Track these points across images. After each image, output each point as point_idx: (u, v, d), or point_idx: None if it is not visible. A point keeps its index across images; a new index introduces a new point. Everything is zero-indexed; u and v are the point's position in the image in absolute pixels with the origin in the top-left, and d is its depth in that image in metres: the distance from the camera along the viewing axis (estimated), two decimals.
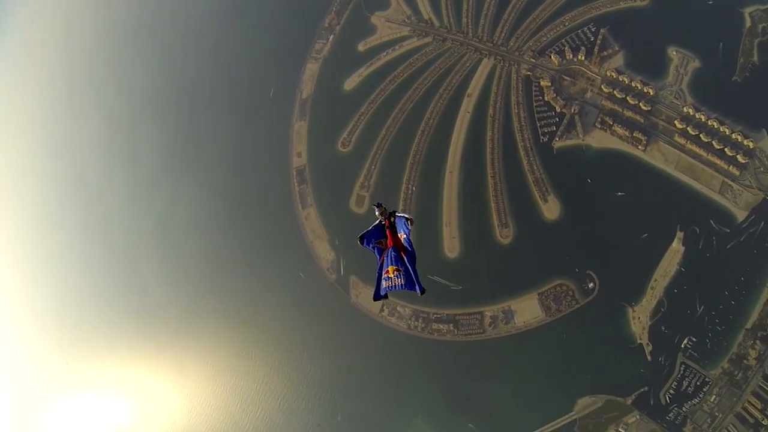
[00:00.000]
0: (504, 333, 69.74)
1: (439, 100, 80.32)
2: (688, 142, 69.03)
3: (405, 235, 15.72)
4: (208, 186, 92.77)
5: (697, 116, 69.36)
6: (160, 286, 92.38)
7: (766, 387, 61.31)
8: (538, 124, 74.50)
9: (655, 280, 65.95)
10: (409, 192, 77.31)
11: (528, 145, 74.04)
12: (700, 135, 68.65)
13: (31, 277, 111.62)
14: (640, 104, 71.27)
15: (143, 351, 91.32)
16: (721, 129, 68.44)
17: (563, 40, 77.42)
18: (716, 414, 61.99)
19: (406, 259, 15.36)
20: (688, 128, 69.12)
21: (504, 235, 71.91)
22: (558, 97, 74.33)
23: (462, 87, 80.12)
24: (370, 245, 16.39)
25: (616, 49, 75.17)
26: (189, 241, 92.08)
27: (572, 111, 73.32)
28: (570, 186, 71.29)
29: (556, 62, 75.73)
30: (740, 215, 65.75)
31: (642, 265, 66.82)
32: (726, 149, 67.54)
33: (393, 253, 15.69)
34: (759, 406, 60.85)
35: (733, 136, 67.94)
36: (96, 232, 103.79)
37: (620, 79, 72.94)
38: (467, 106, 78.42)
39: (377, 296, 15.64)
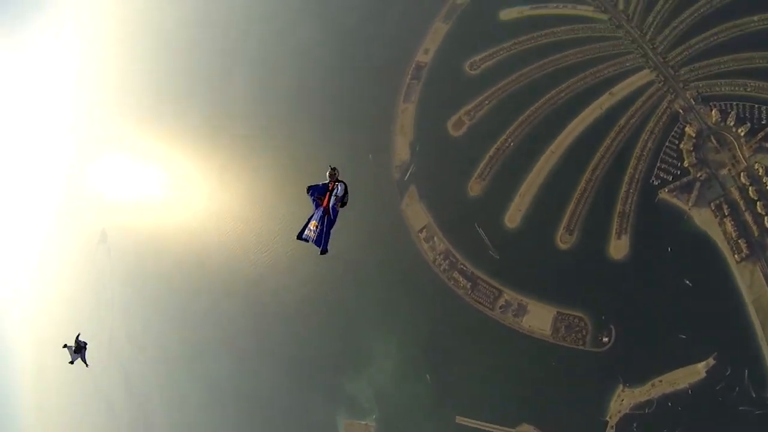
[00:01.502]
0: (507, 323, 68.45)
1: (580, 80, 73.30)
2: None
3: (332, 203, 17.68)
4: None
5: None
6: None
7: None
8: (658, 165, 67.79)
9: (660, 381, 62.23)
10: (505, 145, 72.49)
11: (635, 177, 67.90)
12: None
13: None
14: (766, 218, 63.42)
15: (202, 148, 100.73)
16: None
17: (735, 103, 67.97)
18: None
19: (326, 222, 17.41)
20: None
21: (564, 239, 67.92)
22: (693, 153, 66.86)
23: (610, 82, 72.64)
24: (313, 197, 18.40)
25: None
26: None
27: (698, 176, 66.15)
28: (649, 240, 65.78)
29: (713, 118, 67.46)
30: None
31: (660, 359, 62.68)
32: None
33: (320, 212, 17.73)
34: None
35: None
36: None
37: (764, 181, 64.50)
38: (604, 102, 70.77)
39: (299, 236, 17.81)
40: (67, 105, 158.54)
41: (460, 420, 70.09)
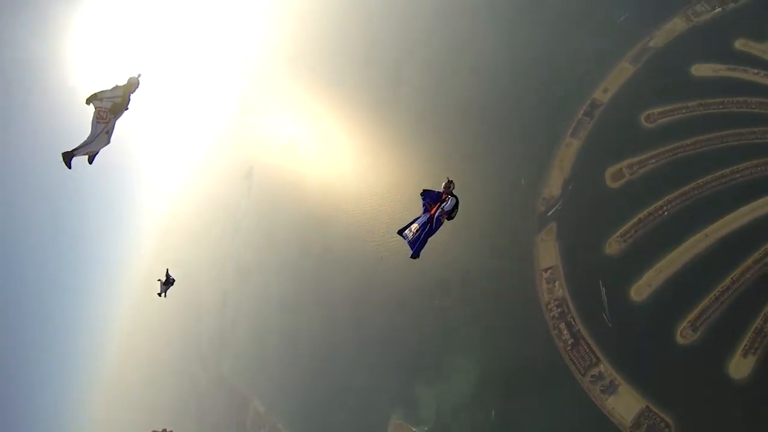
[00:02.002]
0: (592, 395, 64.44)
1: (764, 164, 64.46)
2: None
3: (437, 214, 17.63)
4: None
5: None
6: None
7: None
8: None
9: None
10: (659, 212, 67.39)
11: None
12: None
13: None
14: None
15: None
16: None
17: None
18: None
19: (426, 229, 17.42)
20: None
21: (685, 334, 61.52)
22: None
23: None
24: (424, 201, 18.77)
25: None
26: None
27: None
28: None
29: None
30: None
31: None
32: None
33: (425, 217, 17.94)
34: None
35: None
36: None
37: None
38: None
39: (400, 231, 18.59)
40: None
41: None
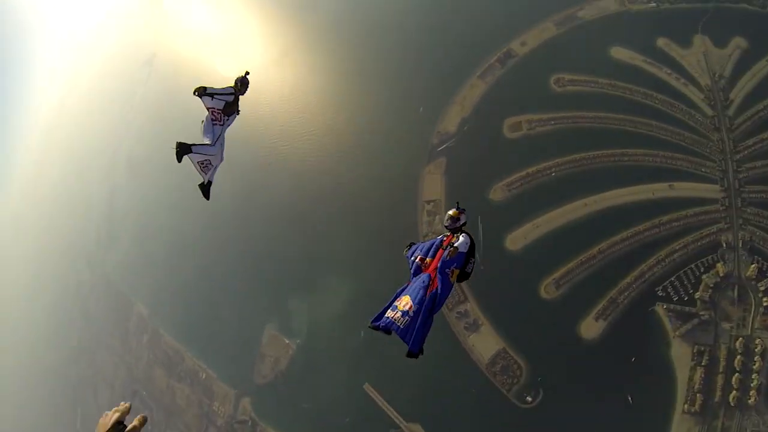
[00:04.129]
0: (455, 329, 68.17)
1: (651, 156, 69.96)
2: None
3: (442, 263, 11.33)
4: None
5: None
6: None
7: None
8: (672, 280, 64.02)
9: None
10: (546, 172, 70.09)
11: (645, 276, 64.62)
12: None
13: None
14: (734, 393, 59.98)
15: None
16: None
17: None
18: None
19: (426, 304, 10.75)
20: None
21: (548, 289, 66.28)
22: (710, 291, 62.99)
23: (676, 175, 68.72)
24: (411, 258, 12.29)
25: None
26: None
27: (701, 313, 62.58)
28: (620, 341, 63.03)
29: (749, 272, 63.18)
30: None
31: None
32: None
33: (424, 281, 11.18)
34: None
35: None
36: None
37: (755, 359, 60.64)
38: (660, 190, 67.84)
39: (375, 324, 11.04)
40: None
41: (367, 388, 70.87)
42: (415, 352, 10.75)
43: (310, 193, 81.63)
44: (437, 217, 72.08)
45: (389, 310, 11.05)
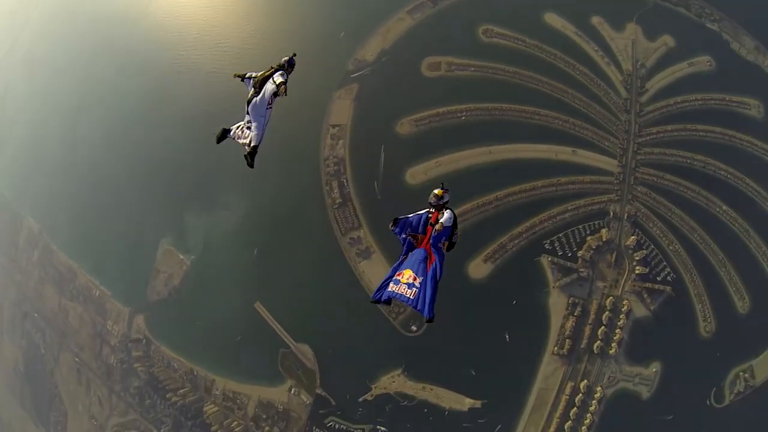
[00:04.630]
0: (347, 255, 68.32)
1: (559, 119, 71.31)
2: (566, 399, 66.30)
3: (434, 239, 12.76)
4: None
5: (592, 405, 66.09)
6: None
7: None
8: (559, 236, 67.15)
9: (431, 389, 66.34)
10: (456, 114, 70.02)
11: (535, 229, 67.36)
12: (574, 410, 66.21)
13: None
14: (598, 343, 65.91)
15: None
16: None
17: (653, 248, 68.46)
18: None
19: (430, 273, 12.44)
20: (579, 397, 66.37)
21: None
22: (591, 252, 66.82)
23: (581, 142, 70.84)
24: (402, 234, 13.62)
25: (652, 305, 67.46)
26: None
27: (580, 270, 66.47)
28: (506, 283, 66.25)
29: (628, 242, 67.96)
30: None
31: (443, 374, 66.59)
32: None
33: (421, 255, 12.91)
34: None
35: None
36: None
37: (620, 317, 66.14)
38: (562, 153, 69.89)
39: (376, 298, 12.97)
40: None
41: (258, 306, 69.77)
42: (431, 318, 12.15)
43: (217, 107, 77.29)
44: (341, 141, 70.51)
45: (391, 284, 12.48)
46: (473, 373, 66.15)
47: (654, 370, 66.86)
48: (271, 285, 70.29)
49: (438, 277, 12.54)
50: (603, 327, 65.86)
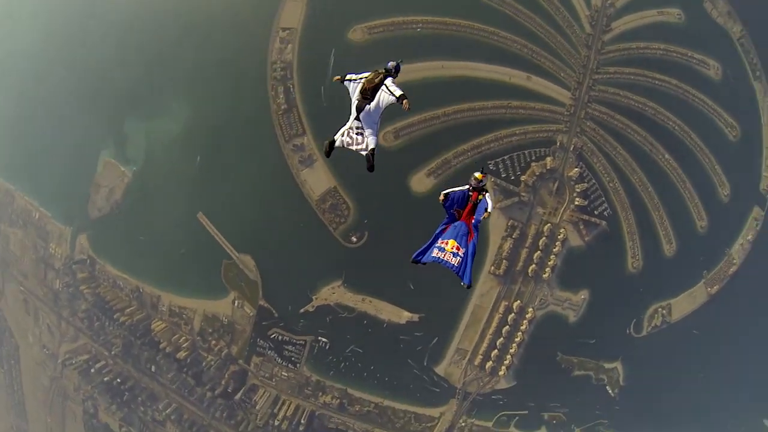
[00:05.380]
0: (290, 162, 66.93)
1: (518, 44, 69.47)
2: (499, 317, 69.39)
3: (476, 221, 14.59)
4: None
5: (523, 324, 68.83)
6: None
7: None
8: (505, 158, 67.75)
9: (370, 301, 68.58)
10: (412, 25, 67.05)
11: (481, 148, 67.89)
12: (506, 328, 69.57)
13: None
14: (533, 266, 68.62)
15: None
16: (513, 349, 68.99)
17: (594, 182, 70.22)
18: (272, 380, 72.42)
19: (471, 248, 14.18)
20: (512, 317, 69.34)
21: (387, 139, 66.52)
22: (534, 178, 67.78)
23: (537, 70, 69.79)
24: (451, 209, 15.10)
25: (587, 236, 69.44)
26: None
27: (521, 194, 67.86)
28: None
29: (571, 173, 68.59)
30: (439, 370, 71.33)
31: (383, 287, 68.73)
32: (495, 352, 69.12)
33: (464, 229, 14.45)
34: None
35: (508, 358, 69.51)
36: None
37: (556, 243, 68.39)
38: (517, 77, 68.75)
39: (417, 257, 14.58)
40: None
41: (200, 217, 68.65)
42: (470, 284, 13.95)
43: (157, 7, 71.91)
44: (290, 45, 66.87)
45: (436, 250, 14.02)
46: (411, 287, 67.51)
47: (582, 297, 69.56)
48: (213, 194, 69.05)
49: (475, 249, 14.21)
50: (539, 252, 67.83)
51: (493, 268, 67.33)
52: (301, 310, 68.04)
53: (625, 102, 72.71)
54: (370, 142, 14.94)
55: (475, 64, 67.86)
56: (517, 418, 75.60)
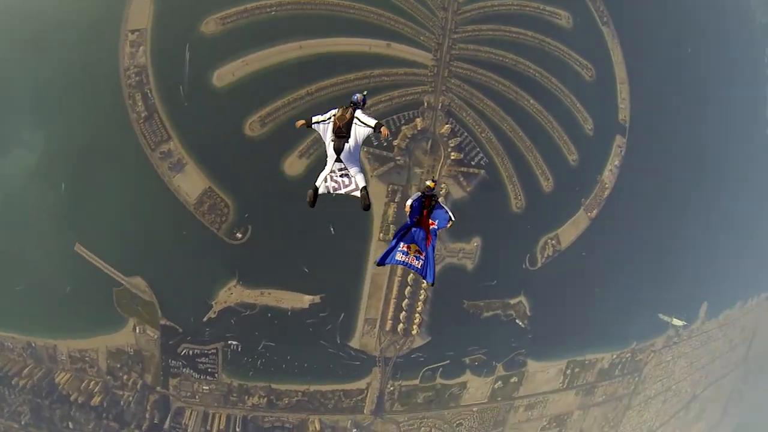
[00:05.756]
0: (160, 171, 64.21)
1: (376, 14, 70.55)
2: (399, 280, 72.65)
3: (437, 228, 16.30)
4: None
5: (424, 281, 70.18)
6: None
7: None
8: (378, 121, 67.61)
9: (269, 293, 68.35)
10: (265, 11, 66.26)
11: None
12: (408, 288, 73.31)
13: None
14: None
15: None
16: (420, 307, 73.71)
17: (467, 135, 73.67)
18: (195, 398, 70.80)
19: (430, 250, 15.93)
20: (411, 277, 72.47)
21: (253, 127, 65.75)
22: (407, 140, 70.27)
23: (397, 37, 70.96)
24: (413, 218, 16.61)
25: (468, 187, 73.61)
26: None
27: (397, 158, 69.92)
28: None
29: (443, 130, 71.58)
30: (354, 343, 73.86)
31: (278, 276, 68.49)
32: (404, 313, 73.15)
33: (422, 235, 16.22)
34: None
35: (417, 316, 73.30)
36: None
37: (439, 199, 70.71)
38: (378, 46, 69.93)
39: (381, 261, 16.47)
40: None
41: (78, 248, 64.08)
42: (433, 282, 15.82)
43: None
44: (141, 48, 64.13)
45: (400, 254, 15.69)
46: (306, 270, 68.38)
47: (475, 244, 73.91)
48: (87, 221, 64.92)
49: (434, 250, 16.03)
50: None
51: (382, 235, 69.58)
52: (205, 319, 66.90)
53: (486, 56, 76.36)
54: (359, 180, 14.88)
55: (333, 40, 68.48)
56: (441, 369, 79.76)
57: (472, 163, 73.67)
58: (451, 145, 71.89)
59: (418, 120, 70.25)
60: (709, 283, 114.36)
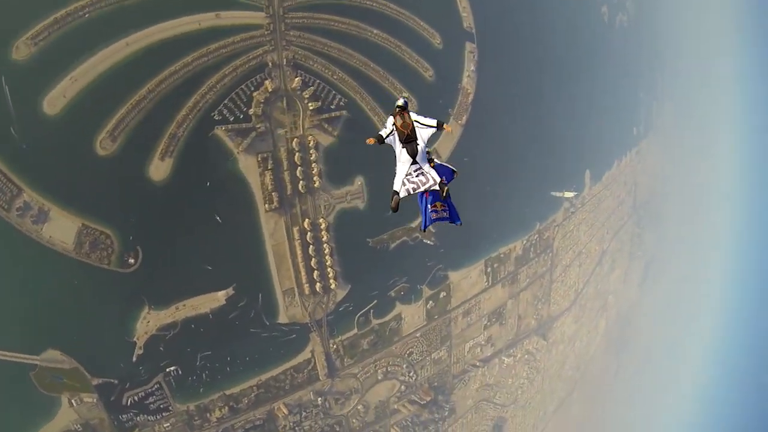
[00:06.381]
0: (24, 229, 57.78)
1: None
2: (299, 242, 73.35)
3: (446, 181, 16.09)
4: None
5: (323, 235, 74.81)
6: None
7: None
8: (225, 102, 67.85)
9: (184, 305, 66.64)
10: (78, 15, 60.68)
11: (199, 105, 66.40)
12: (311, 247, 73.95)
13: None
14: (301, 182, 72.75)
15: None
16: (329, 261, 75.09)
17: (319, 82, 74.47)
18: None
19: (448, 199, 16.42)
20: (309, 235, 73.89)
21: (104, 145, 61.43)
22: (262, 105, 69.97)
23: (224, 4, 68.51)
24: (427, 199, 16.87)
25: (334, 131, 75.27)
26: None
27: (257, 126, 69.77)
28: (191, 170, 65.57)
29: (294, 84, 71.79)
30: (282, 318, 73.73)
31: (185, 285, 67.08)
32: (316, 272, 74.81)
33: (434, 194, 16.38)
34: None
35: (330, 270, 75.35)
36: None
37: (310, 152, 73.31)
38: (206, 20, 67.10)
39: (425, 226, 16.85)
40: None
41: None
42: (461, 223, 16.70)
43: None
44: None
45: (433, 214, 16.61)
46: (209, 267, 68.09)
47: (359, 183, 76.87)
48: None
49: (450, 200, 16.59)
50: (299, 167, 72.19)
51: (267, 205, 70.41)
52: (134, 359, 64.48)
53: (318, 1, 76.01)
54: (434, 175, 15.42)
55: (159, 26, 64.35)
56: (371, 311, 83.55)
57: (332, 107, 75.27)
58: (307, 96, 72.67)
59: (267, 82, 70.04)
60: (585, 152, 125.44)
